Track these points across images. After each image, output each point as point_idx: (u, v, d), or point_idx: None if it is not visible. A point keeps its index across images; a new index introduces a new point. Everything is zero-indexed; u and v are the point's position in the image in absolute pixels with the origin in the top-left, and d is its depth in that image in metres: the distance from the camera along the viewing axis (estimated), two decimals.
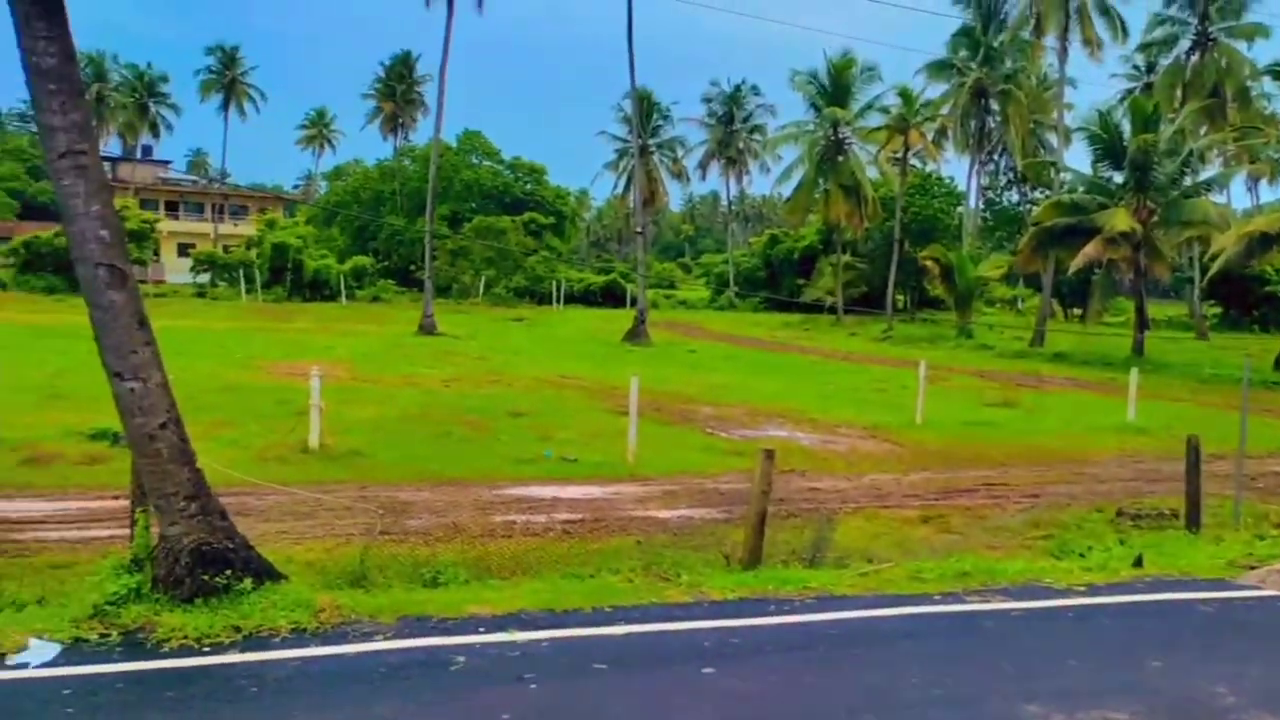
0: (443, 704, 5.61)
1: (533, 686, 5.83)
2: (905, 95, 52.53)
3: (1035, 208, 51.23)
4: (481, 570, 8.52)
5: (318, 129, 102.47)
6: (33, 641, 6.10)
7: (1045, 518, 12.26)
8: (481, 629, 6.73)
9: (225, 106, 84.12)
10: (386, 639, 6.51)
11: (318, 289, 60.04)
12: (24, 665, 5.84)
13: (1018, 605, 7.80)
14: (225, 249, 68.99)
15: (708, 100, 76.51)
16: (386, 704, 5.53)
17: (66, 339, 25.13)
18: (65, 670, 5.81)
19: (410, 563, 8.51)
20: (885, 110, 54.24)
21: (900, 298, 60.96)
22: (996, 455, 16.65)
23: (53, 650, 6.05)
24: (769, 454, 8.98)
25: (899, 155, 54.18)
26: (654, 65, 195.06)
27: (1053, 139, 56.65)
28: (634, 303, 48.55)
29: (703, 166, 78.61)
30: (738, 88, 76.33)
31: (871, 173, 57.21)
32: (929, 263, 49.15)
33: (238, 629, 6.44)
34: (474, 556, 8.95)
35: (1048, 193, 53.34)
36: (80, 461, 12.77)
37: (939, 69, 57.15)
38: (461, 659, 6.20)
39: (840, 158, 55.56)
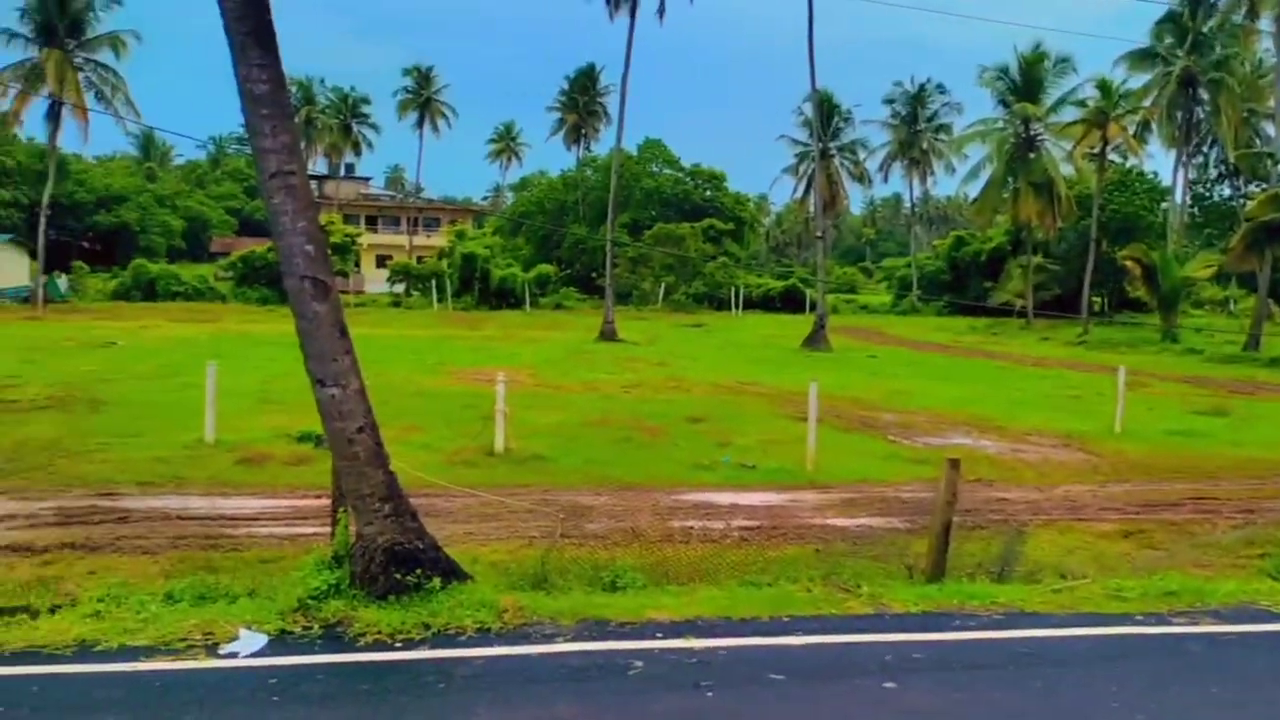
0: (621, 708, 5.67)
1: (709, 694, 5.82)
2: (1104, 87, 49.86)
3: (1249, 202, 47.74)
4: (659, 575, 8.57)
5: (505, 142, 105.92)
6: (243, 632, 6.52)
7: (1261, 535, 11.35)
8: (659, 634, 6.77)
9: (420, 124, 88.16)
10: (567, 641, 6.64)
11: (504, 297, 62.06)
12: (234, 654, 6.25)
13: (1230, 629, 7.25)
14: (419, 260, 72.18)
15: (890, 101, 74.83)
16: (566, 705, 5.64)
17: (277, 347, 26.86)
18: (271, 660, 6.18)
19: (590, 566, 8.64)
20: (1080, 104, 51.66)
21: (1096, 300, 57.93)
22: (1206, 467, 15.56)
23: (261, 641, 6.45)
24: (954, 463, 8.67)
25: (1096, 150, 51.46)
26: (835, 68, 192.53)
27: (1269, 128, 52.64)
28: (813, 308, 47.98)
29: (885, 168, 76.87)
30: (922, 87, 74.31)
31: (1065, 170, 54.59)
32: (1129, 263, 46.42)
33: (427, 626, 6.70)
34: (652, 561, 9.02)
35: (1263, 186, 49.54)
36: (288, 462, 13.58)
37: (1140, 58, 54.09)
38: (640, 664, 6.25)
39: (1031, 155, 53.30)
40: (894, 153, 75.48)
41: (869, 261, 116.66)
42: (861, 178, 74.85)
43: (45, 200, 51.70)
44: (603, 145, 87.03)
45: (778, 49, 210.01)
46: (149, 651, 6.22)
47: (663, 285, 65.61)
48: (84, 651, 6.21)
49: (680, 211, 72.90)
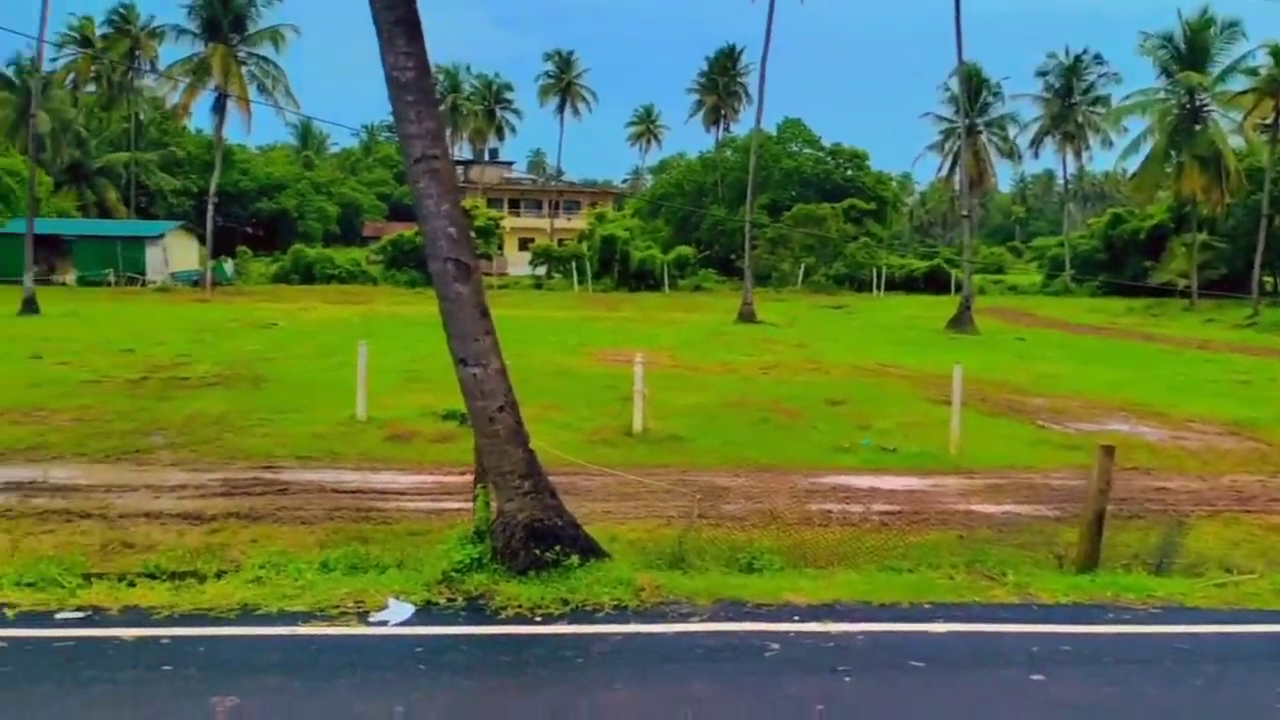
0: (756, 689, 5.66)
1: (847, 679, 5.75)
2: (1277, 54, 46.65)
3: None
4: (797, 558, 8.50)
5: (645, 125, 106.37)
6: (391, 602, 6.78)
7: None
8: (796, 617, 6.72)
9: (561, 108, 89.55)
10: (703, 621, 6.66)
11: (643, 279, 62.45)
12: (384, 623, 6.50)
13: None
14: (559, 242, 73.28)
15: (1043, 74, 71.67)
16: (702, 684, 5.66)
17: (424, 327, 27.67)
18: (418, 629, 6.41)
19: (727, 547, 8.64)
20: (1251, 72, 48.44)
21: (1268, 280, 54.45)
22: None
23: (408, 610, 6.69)
24: (1108, 449, 8.30)
25: (1268, 121, 48.23)
26: (982, 41, 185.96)
27: None
28: (958, 289, 46.62)
29: (1036, 144, 73.76)
30: (1078, 58, 70.89)
31: (1235, 142, 51.38)
32: None
33: (566, 602, 6.82)
34: (790, 544, 8.95)
35: None
36: (435, 439, 14.01)
37: None
38: (776, 646, 6.22)
39: (1196, 127, 50.36)
40: (1046, 127, 72.38)
41: (1018, 241, 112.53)
42: (1011, 154, 72.22)
43: (213, 189, 54.62)
44: (742, 126, 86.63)
45: (922, 23, 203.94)
46: (306, 617, 6.53)
47: (802, 266, 64.84)
48: (246, 615, 6.56)
49: (820, 192, 71.81)
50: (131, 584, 7.06)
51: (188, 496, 10.92)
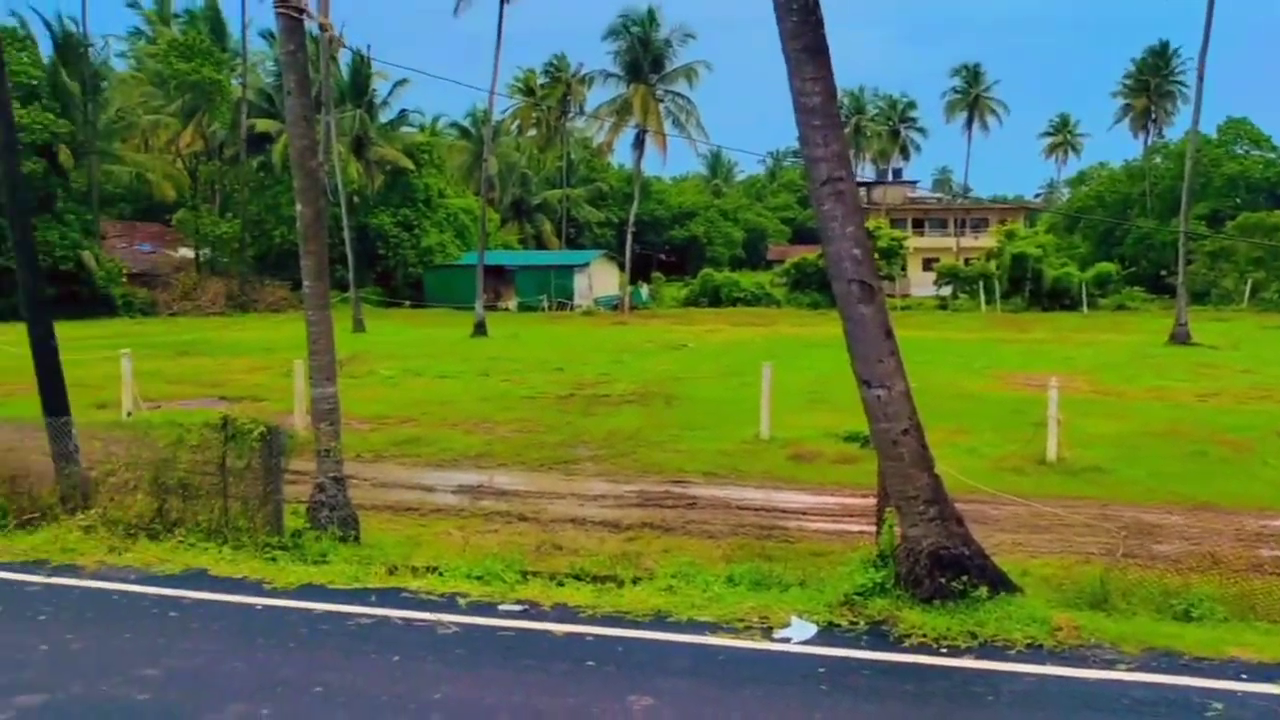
0: None
1: None
2: None
3: None
4: (1244, 609, 7.54)
5: (1061, 135, 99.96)
6: (794, 620, 6.87)
7: None
8: (1244, 676, 5.97)
9: (969, 123, 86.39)
10: (1130, 669, 6.10)
11: (1056, 298, 58.53)
12: (787, 640, 6.60)
13: None
14: (966, 261, 70.66)
15: None
16: None
17: (827, 349, 27.86)
18: (820, 649, 6.44)
19: (1158, 591, 7.84)
20: None
21: None
22: None
23: (811, 630, 6.74)
24: None
25: None
26: None
27: None
28: None
29: None
30: None
31: None
32: None
33: (973, 635, 6.54)
34: (1235, 593, 7.95)
35: None
36: (836, 460, 14.02)
37: None
38: (1219, 706, 5.56)
39: None
40: None
41: None
42: None
43: (631, 219, 58.68)
44: (1175, 130, 78.68)
45: None
46: (712, 627, 6.79)
47: (1249, 282, 57.51)
48: (658, 620, 6.95)
49: (1272, 198, 63.44)
50: (561, 583, 7.73)
51: (608, 506, 11.78)
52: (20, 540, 8.95)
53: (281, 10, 9.57)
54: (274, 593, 7.59)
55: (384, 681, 5.93)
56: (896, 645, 6.50)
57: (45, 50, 49.91)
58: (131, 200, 63.11)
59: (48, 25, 50.80)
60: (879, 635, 6.66)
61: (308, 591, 7.61)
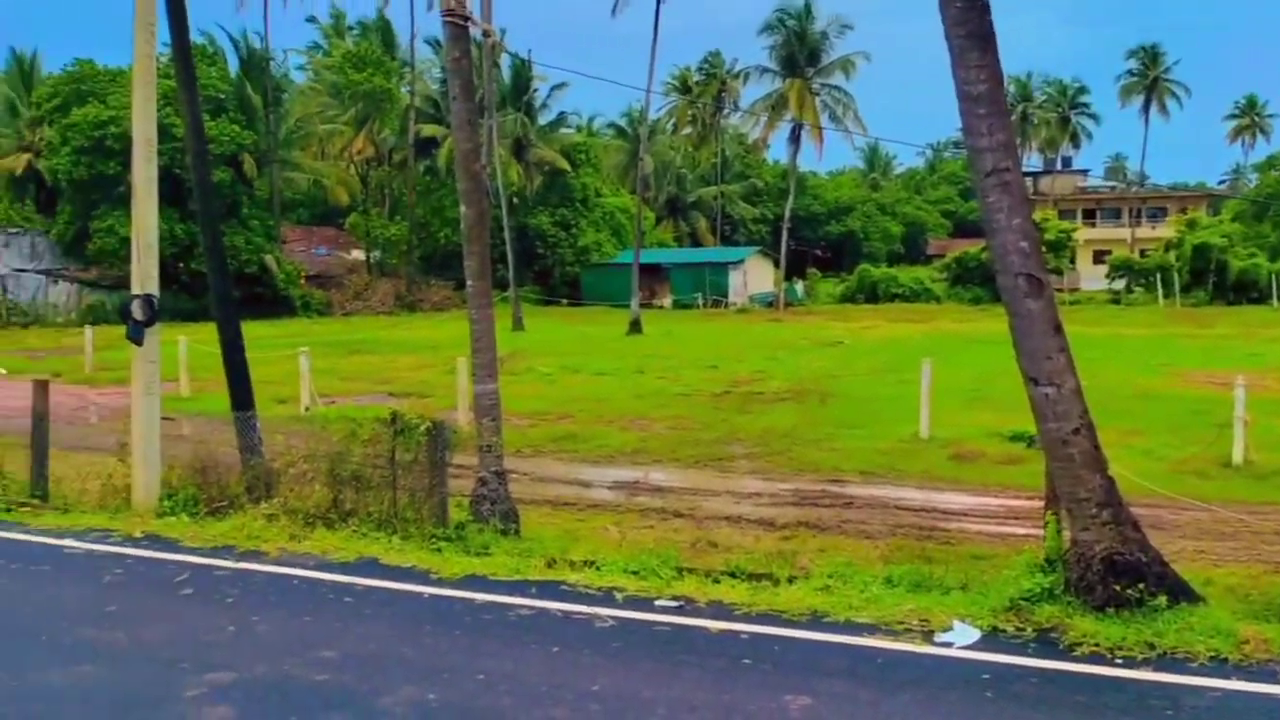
0: None
1: None
2: None
3: None
4: None
5: (1247, 117, 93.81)
6: (957, 624, 6.68)
7: None
8: None
9: (1145, 107, 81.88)
10: None
11: (1243, 291, 55.04)
12: (948, 644, 6.43)
13: None
14: (1141, 253, 67.15)
15: None
16: None
17: (988, 345, 26.97)
18: (983, 655, 6.25)
19: None
20: None
21: None
22: None
23: (974, 634, 6.55)
24: None
25: None
26: None
27: None
28: None
29: None
30: None
31: None
32: None
33: (1151, 646, 6.22)
34: None
35: None
36: (1000, 461, 13.57)
37: None
38: None
39: None
40: None
41: None
42: None
43: (786, 214, 58.18)
44: None
45: None
46: (870, 629, 6.68)
47: None
48: (815, 620, 6.88)
49: None
50: (716, 580, 7.74)
51: (762, 504, 11.73)
52: (211, 527, 9.56)
53: (448, 19, 9.92)
54: (440, 582, 7.87)
55: (544, 671, 6.07)
56: (1067, 654, 6.25)
57: (232, 65, 53.19)
58: (309, 205, 66.57)
59: (234, 42, 54.18)
60: (1047, 643, 6.41)
61: (471, 582, 7.86)
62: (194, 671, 6.09)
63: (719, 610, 7.11)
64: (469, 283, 10.18)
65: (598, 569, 8.06)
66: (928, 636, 6.53)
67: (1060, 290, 55.02)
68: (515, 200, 54.70)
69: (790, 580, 7.73)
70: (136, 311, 10.38)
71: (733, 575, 7.90)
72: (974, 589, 7.40)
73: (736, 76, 72.25)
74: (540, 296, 57.31)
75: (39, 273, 49.55)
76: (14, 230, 50.48)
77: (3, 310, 46.58)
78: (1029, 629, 6.61)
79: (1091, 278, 67.67)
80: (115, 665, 6.31)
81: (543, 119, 62.51)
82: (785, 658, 6.26)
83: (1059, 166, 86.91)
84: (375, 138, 58.93)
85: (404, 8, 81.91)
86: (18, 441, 11.71)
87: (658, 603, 7.32)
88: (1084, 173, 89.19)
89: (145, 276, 10.50)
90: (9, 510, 10.48)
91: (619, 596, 7.46)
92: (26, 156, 54.01)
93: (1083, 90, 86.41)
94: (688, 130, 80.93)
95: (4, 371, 26.02)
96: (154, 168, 10.58)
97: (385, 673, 6.06)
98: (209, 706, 5.61)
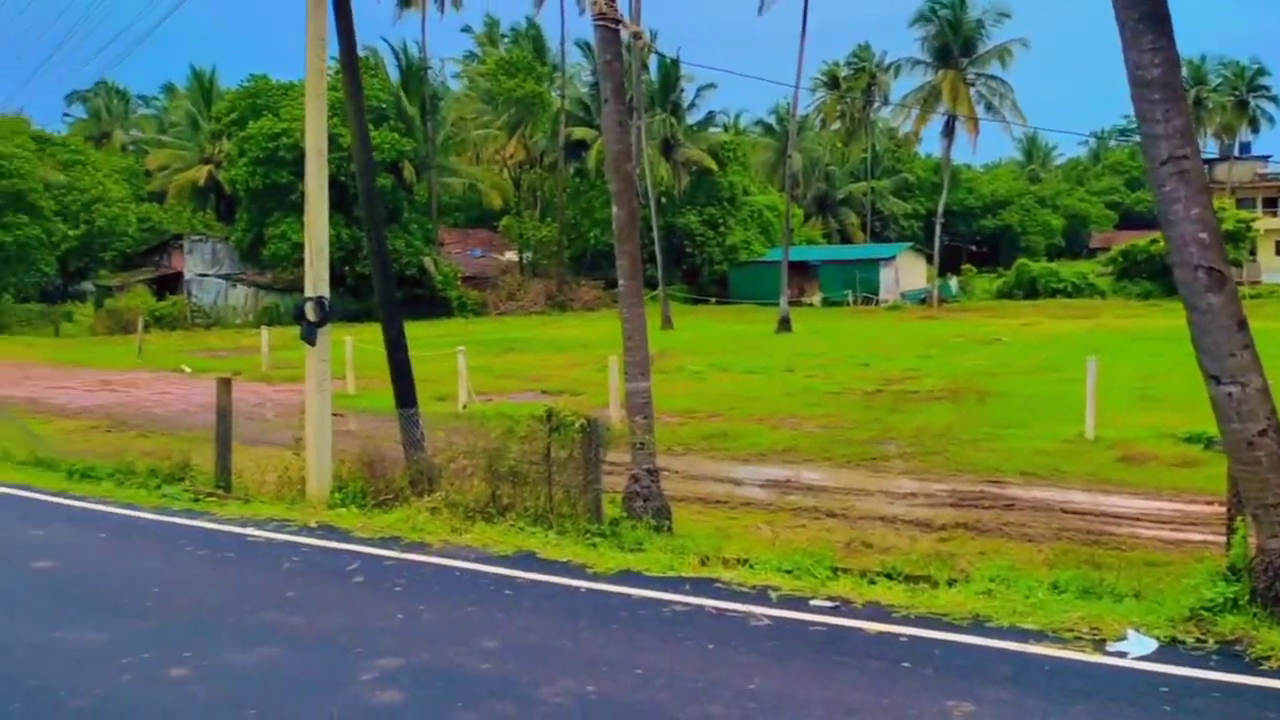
0: None
1: None
2: None
3: None
4: None
5: None
6: (1131, 633, 6.38)
7: None
8: None
9: None
10: None
11: None
12: (1122, 654, 6.15)
13: None
14: None
15: None
16: None
17: (1159, 342, 25.68)
18: (1160, 667, 5.95)
19: None
20: None
21: None
22: None
23: (1150, 645, 6.24)
24: None
25: None
26: None
27: None
28: None
29: None
30: None
31: None
32: None
33: None
34: None
35: None
36: (1173, 463, 12.90)
37: None
38: None
39: None
40: None
41: None
42: None
43: (940, 209, 56.72)
44: None
45: None
46: (1036, 635, 6.45)
47: None
48: (977, 625, 6.69)
49: None
50: (872, 581, 7.62)
51: (918, 504, 11.47)
52: (378, 519, 9.98)
53: (599, 22, 10.06)
54: (595, 577, 8.00)
55: (699, 668, 6.10)
56: (1252, 667, 5.89)
57: (392, 75, 55.31)
58: (464, 209, 68.62)
59: (394, 53, 56.33)
60: (1231, 655, 6.06)
61: (626, 577, 7.96)
62: (367, 656, 6.37)
63: (876, 611, 6.99)
64: (621, 282, 10.30)
65: (751, 567, 8.05)
66: (1099, 645, 6.27)
67: (1240, 284, 51.78)
68: (663, 200, 55.05)
69: (950, 583, 7.53)
70: (310, 313, 10.93)
71: (889, 576, 7.75)
72: (1149, 597, 7.06)
73: (886, 70, 70.69)
74: (688, 295, 57.51)
75: (220, 277, 52.80)
76: (196, 237, 53.97)
77: (187, 313, 49.73)
78: (1211, 640, 6.26)
79: (1273, 270, 63.49)
80: (295, 648, 6.66)
81: (690, 118, 62.67)
82: (947, 662, 6.11)
83: (1236, 153, 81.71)
84: (527, 142, 60.30)
85: (555, 13, 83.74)
86: (203, 436, 12.49)
87: (813, 602, 7.25)
88: (1264, 159, 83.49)
89: (318, 279, 11.04)
90: (197, 500, 11.21)
91: (773, 595, 7.42)
92: (207, 168, 57.68)
93: (1261, 72, 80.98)
94: (836, 126, 79.68)
95: (189, 370, 27.80)
96: (325, 176, 11.13)
97: (545, 664, 6.20)
98: (381, 690, 5.86)
